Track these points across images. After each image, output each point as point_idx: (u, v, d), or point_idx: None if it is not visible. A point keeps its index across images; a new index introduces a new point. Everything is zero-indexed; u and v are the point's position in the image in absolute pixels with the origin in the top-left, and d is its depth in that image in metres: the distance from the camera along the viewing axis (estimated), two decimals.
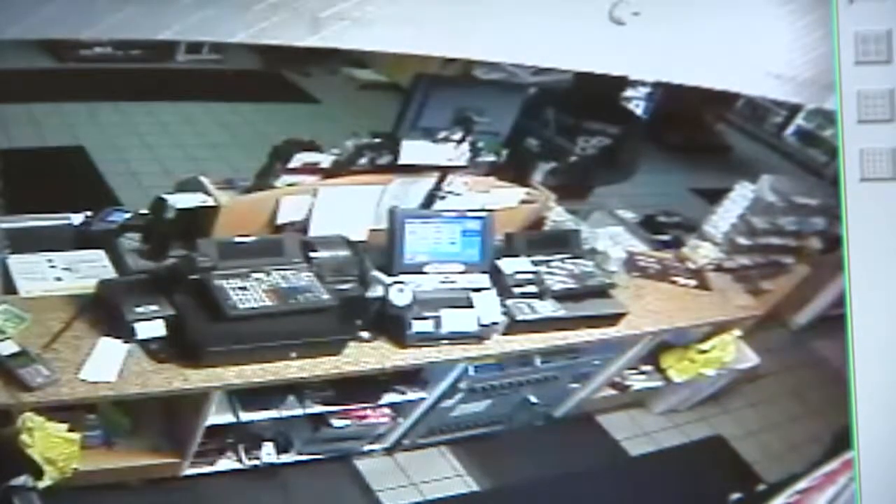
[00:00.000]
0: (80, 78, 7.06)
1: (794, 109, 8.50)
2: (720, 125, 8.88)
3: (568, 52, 4.06)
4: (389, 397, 4.45)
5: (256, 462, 4.36)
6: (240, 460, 4.35)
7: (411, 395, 4.49)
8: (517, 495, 4.83)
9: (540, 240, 4.85)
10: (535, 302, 4.54)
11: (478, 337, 4.38)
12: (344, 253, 4.31)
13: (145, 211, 4.49)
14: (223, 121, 7.22)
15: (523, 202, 5.15)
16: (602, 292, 4.77)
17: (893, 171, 3.51)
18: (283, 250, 4.19)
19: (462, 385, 4.57)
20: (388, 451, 4.79)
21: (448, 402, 4.65)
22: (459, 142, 4.61)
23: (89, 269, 4.24)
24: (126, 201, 5.25)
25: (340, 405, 4.36)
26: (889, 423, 3.48)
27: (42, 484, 3.63)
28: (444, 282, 4.39)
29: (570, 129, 6.65)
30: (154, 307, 3.86)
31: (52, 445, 3.65)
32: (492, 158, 4.89)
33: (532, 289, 4.56)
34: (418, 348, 4.26)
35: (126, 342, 3.79)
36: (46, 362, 3.62)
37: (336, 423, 4.38)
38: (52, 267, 4.22)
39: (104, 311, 3.89)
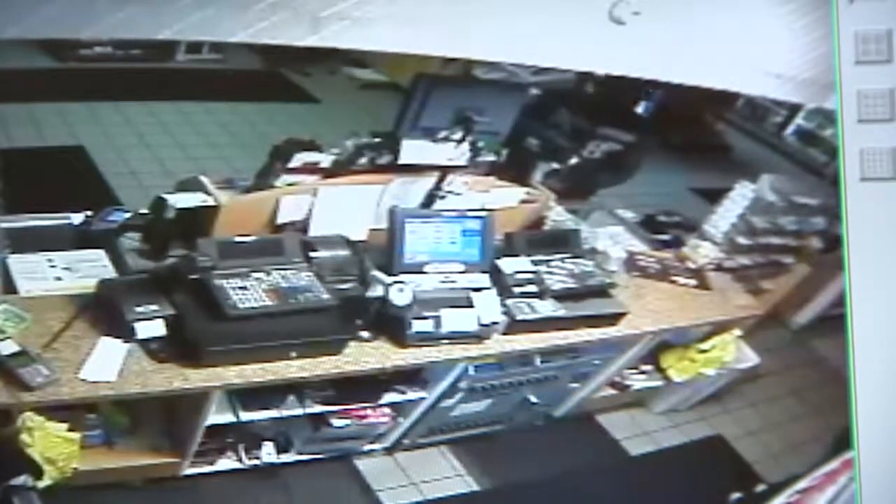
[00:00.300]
0: (80, 78, 7.06)
1: (794, 109, 8.51)
2: (720, 125, 8.88)
3: (568, 51, 4.05)
4: (389, 397, 4.45)
5: (256, 462, 4.36)
6: (240, 460, 4.35)
7: (411, 395, 4.49)
8: (517, 495, 4.83)
9: (540, 239, 4.85)
10: (535, 301, 4.55)
11: (478, 336, 4.38)
12: (344, 253, 4.31)
13: (145, 211, 4.50)
14: (223, 121, 7.22)
15: (523, 202, 5.16)
16: (602, 292, 4.77)
17: (893, 171, 3.50)
18: (284, 250, 4.19)
19: (462, 385, 4.57)
20: (389, 450, 4.79)
21: (448, 402, 4.65)
22: (459, 141, 4.61)
23: (89, 268, 4.24)
24: (126, 201, 5.25)
25: (340, 405, 4.36)
26: (889, 423, 3.48)
27: (42, 483, 3.63)
28: (444, 281, 4.39)
29: (584, 133, 6.64)
30: (154, 307, 3.86)
31: (53, 445, 3.65)
32: (492, 158, 4.89)
33: (532, 288, 4.56)
34: (418, 348, 4.26)
35: (126, 342, 3.80)
36: (46, 362, 3.62)
37: (336, 422, 4.38)
38: (53, 267, 4.22)
39: (104, 311, 3.89)
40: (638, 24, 4.03)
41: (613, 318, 4.74)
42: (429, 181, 4.71)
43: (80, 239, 4.44)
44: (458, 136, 4.60)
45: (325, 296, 4.09)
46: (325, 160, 4.56)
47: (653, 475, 5.18)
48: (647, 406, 5.55)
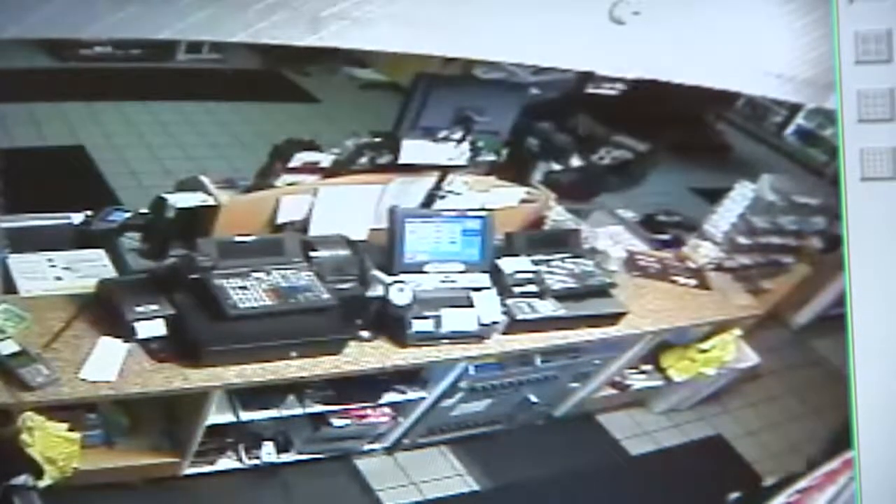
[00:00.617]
0: (80, 78, 7.05)
1: (794, 109, 8.48)
2: (720, 125, 8.87)
3: (568, 51, 4.05)
4: (389, 397, 4.45)
5: (256, 461, 4.37)
6: (240, 460, 4.35)
7: (411, 395, 4.49)
8: (517, 495, 4.83)
9: (540, 239, 4.85)
10: (536, 301, 4.55)
11: (478, 336, 4.38)
12: (344, 252, 4.31)
13: (145, 210, 4.50)
14: (223, 120, 7.22)
15: (523, 201, 5.16)
16: (602, 292, 4.77)
17: (893, 171, 3.51)
18: (284, 250, 4.19)
19: (462, 384, 4.57)
20: (388, 450, 4.79)
21: (448, 402, 4.65)
22: (459, 141, 4.61)
23: (89, 268, 4.24)
24: (126, 201, 5.25)
25: (340, 404, 4.36)
26: (889, 423, 3.48)
27: (42, 483, 3.63)
28: (444, 281, 4.39)
29: (598, 139, 6.61)
30: (154, 306, 3.86)
31: (53, 445, 3.65)
32: (492, 158, 4.89)
33: (532, 288, 4.56)
34: (418, 348, 4.27)
35: (126, 342, 3.80)
36: (46, 362, 3.62)
37: (336, 422, 4.38)
38: (53, 266, 4.22)
39: (104, 311, 3.89)
40: (638, 24, 4.03)
41: (613, 318, 4.74)
42: (429, 181, 4.71)
43: (80, 239, 4.44)
44: (458, 135, 4.60)
45: (325, 295, 4.09)
46: (325, 160, 4.56)
47: (653, 475, 5.18)
48: (647, 406, 5.55)
